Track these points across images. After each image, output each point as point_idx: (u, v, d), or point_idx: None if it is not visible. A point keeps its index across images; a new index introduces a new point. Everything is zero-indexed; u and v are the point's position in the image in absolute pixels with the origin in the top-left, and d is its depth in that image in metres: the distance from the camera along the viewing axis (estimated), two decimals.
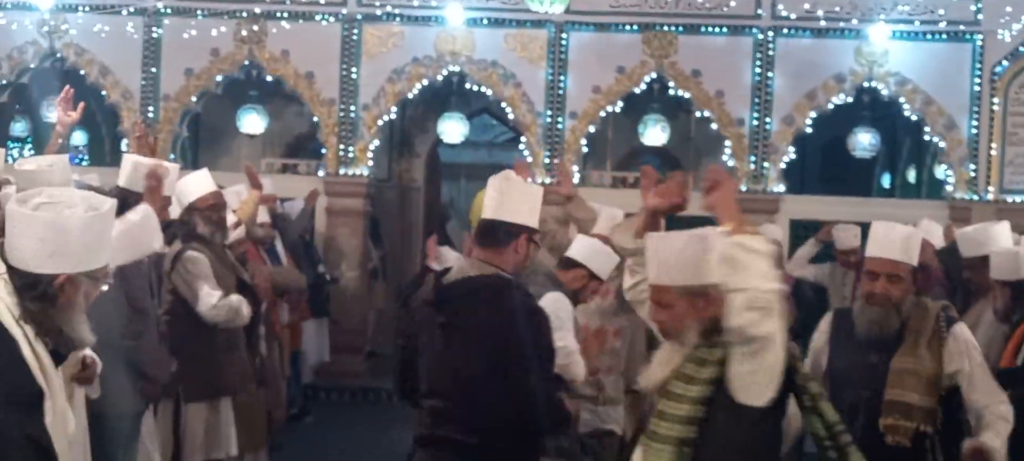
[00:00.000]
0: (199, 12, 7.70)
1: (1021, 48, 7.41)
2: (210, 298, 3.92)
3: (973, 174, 7.37)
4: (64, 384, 2.26)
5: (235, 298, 4.02)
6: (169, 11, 7.72)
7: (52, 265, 2.01)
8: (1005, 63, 7.37)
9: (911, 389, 2.92)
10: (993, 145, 7.35)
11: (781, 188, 7.53)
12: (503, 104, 7.80)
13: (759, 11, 7.47)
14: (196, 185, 4.24)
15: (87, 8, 7.67)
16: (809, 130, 7.59)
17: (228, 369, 4.10)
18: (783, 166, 7.54)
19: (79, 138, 8.79)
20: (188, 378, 3.94)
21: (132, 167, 3.67)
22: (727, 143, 7.51)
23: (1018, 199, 7.23)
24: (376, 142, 7.81)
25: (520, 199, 2.86)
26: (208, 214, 4.14)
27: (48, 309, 2.03)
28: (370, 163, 7.78)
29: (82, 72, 7.68)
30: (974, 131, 7.36)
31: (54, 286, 2.02)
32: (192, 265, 4.01)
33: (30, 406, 2.02)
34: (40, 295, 2.03)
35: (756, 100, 7.50)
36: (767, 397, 2.21)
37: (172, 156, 7.38)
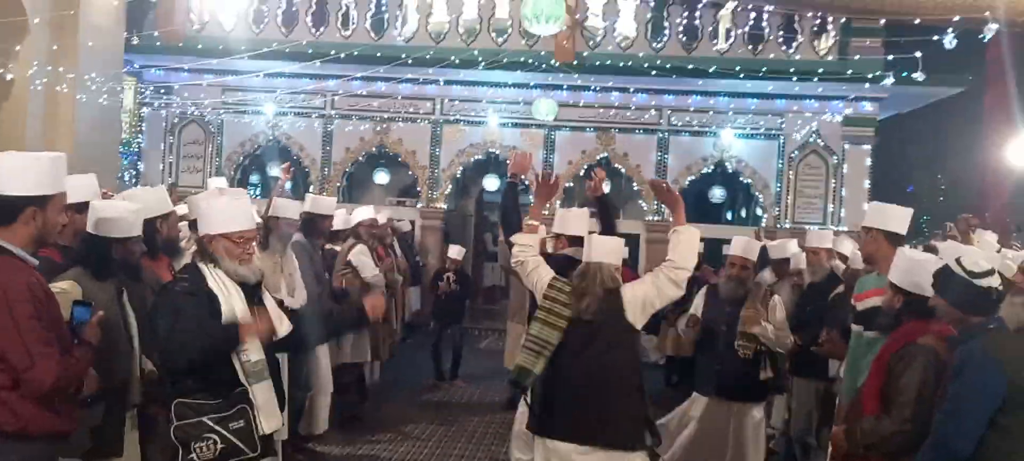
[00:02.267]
0: (354, 115, 13.65)
1: (804, 146, 12.75)
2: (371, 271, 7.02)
3: (777, 212, 12.93)
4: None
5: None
6: (337, 114, 13.71)
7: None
8: (796, 153, 12.93)
9: (746, 324, 4.87)
10: (788, 197, 12.94)
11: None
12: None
13: (661, 123, 13.15)
14: (361, 213, 7.38)
15: (293, 113, 13.71)
16: (687, 186, 13.22)
17: None
18: None
19: (288, 185, 14.46)
20: None
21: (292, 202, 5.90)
22: (642, 195, 13.19)
23: (803, 227, 12.65)
24: (449, 188, 13.65)
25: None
26: (369, 229, 7.22)
27: None
28: (445, 201, 13.65)
29: (290, 148, 13.73)
30: (778, 189, 12.95)
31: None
32: (362, 254, 6.95)
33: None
34: None
35: (658, 170, 13.19)
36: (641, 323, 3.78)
37: (338, 195, 13.22)
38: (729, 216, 14.32)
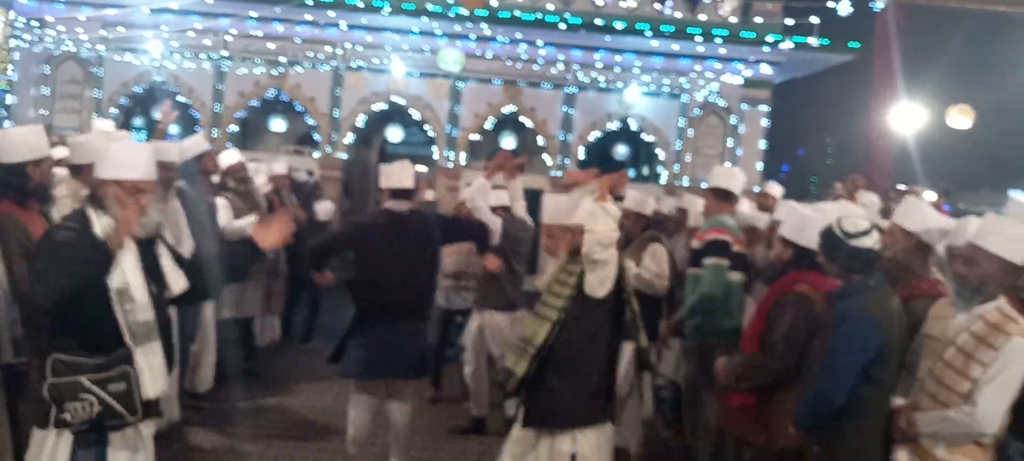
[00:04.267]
0: (248, 58, 12.96)
1: (704, 106, 13.06)
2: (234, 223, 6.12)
3: (677, 170, 13.22)
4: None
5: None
6: (230, 56, 12.98)
7: None
8: (698, 111, 13.21)
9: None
10: (688, 155, 13.23)
11: None
12: (424, 123, 13.34)
13: (568, 76, 13.12)
14: (228, 157, 6.61)
15: (181, 53, 12.87)
16: (591, 141, 13.32)
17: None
18: (579, 160, 13.25)
19: (174, 130, 13.12)
20: None
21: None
22: (546, 149, 13.19)
23: (701, 185, 13.02)
24: (350, 138, 13.22)
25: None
26: (235, 174, 6.57)
27: None
28: (345, 151, 13.24)
29: (178, 91, 12.94)
30: (678, 147, 13.23)
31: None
32: (223, 208, 6.10)
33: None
34: None
35: (564, 125, 13.22)
36: (603, 293, 3.44)
37: (228, 144, 12.61)
38: (632, 173, 14.51)
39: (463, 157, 13.11)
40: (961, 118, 13.47)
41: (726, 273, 4.68)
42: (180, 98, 12.75)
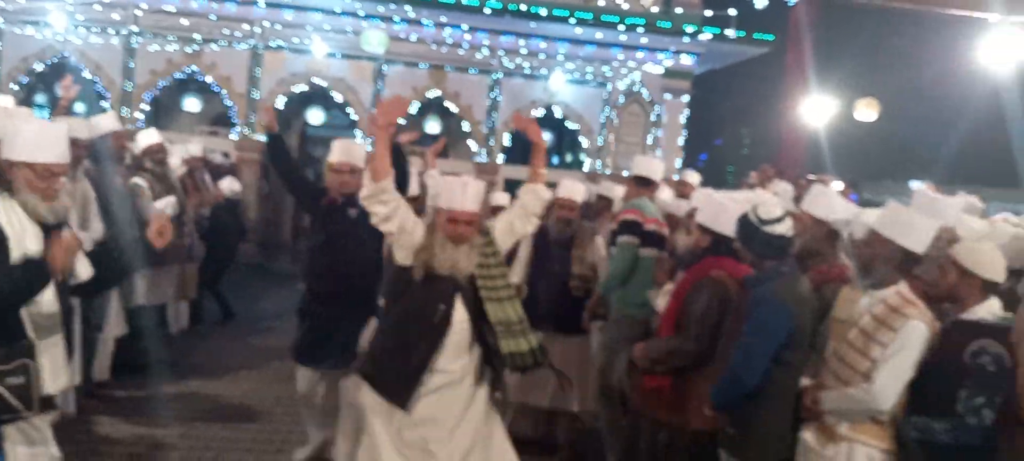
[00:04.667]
0: (160, 34, 12.45)
1: (627, 95, 13.25)
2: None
3: (600, 158, 13.40)
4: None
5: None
6: (140, 32, 12.44)
7: None
8: (621, 100, 13.41)
9: (577, 263, 5.22)
10: (612, 144, 13.41)
11: (501, 159, 13.28)
12: (347, 105, 13.08)
13: (494, 62, 13.10)
14: (146, 138, 6.40)
15: (87, 27, 12.25)
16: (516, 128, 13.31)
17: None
18: (503, 146, 13.26)
19: (80, 107, 12.87)
20: None
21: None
22: (471, 134, 13.15)
23: (623, 173, 13.25)
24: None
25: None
26: (153, 155, 6.36)
27: None
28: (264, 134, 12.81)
29: (85, 67, 12.30)
30: (602, 136, 13.40)
31: None
32: (140, 189, 5.94)
33: None
34: None
35: (490, 111, 13.16)
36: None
37: (140, 123, 12.11)
38: (555, 160, 14.63)
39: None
40: (868, 111, 14.08)
41: (635, 251, 4.89)
42: (86, 75, 12.15)
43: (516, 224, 3.73)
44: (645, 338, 4.45)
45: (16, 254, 2.82)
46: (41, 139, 2.94)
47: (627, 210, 5.04)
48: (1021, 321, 3.25)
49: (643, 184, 5.16)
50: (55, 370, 2.97)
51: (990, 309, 3.08)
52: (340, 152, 4.61)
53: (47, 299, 2.93)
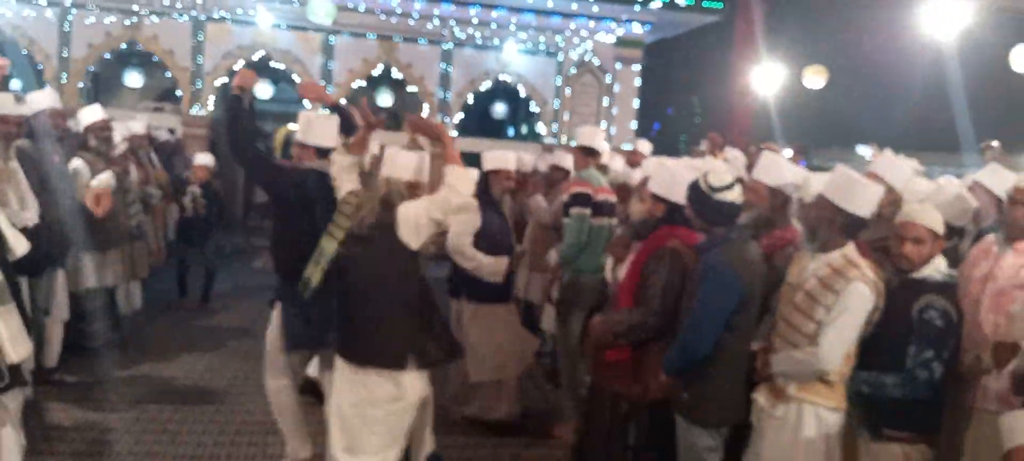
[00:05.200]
0: (97, 6, 11.99)
1: (580, 65, 13.24)
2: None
3: (555, 129, 13.39)
4: None
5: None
6: (75, 4, 11.95)
7: None
8: (573, 70, 13.37)
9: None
10: (566, 114, 13.41)
11: (455, 134, 13.17)
12: (294, 75, 12.80)
13: (444, 32, 12.93)
14: (88, 115, 6.06)
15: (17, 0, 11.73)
16: (470, 101, 13.26)
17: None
18: (457, 120, 13.18)
19: (16, 84, 12.07)
20: None
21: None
22: (426, 106, 13.02)
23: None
24: (214, 95, 12.55)
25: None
26: (97, 132, 6.03)
27: None
28: (211, 107, 12.53)
29: (17, 41, 11.78)
30: (556, 106, 13.39)
31: None
32: (81, 168, 5.67)
33: None
34: None
35: (442, 83, 13.06)
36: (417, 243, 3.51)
37: (80, 100, 11.69)
38: (511, 132, 14.58)
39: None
40: (816, 78, 14.29)
41: (587, 221, 5.02)
42: (21, 50, 11.65)
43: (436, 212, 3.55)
44: (599, 301, 4.51)
45: None
46: None
47: (576, 182, 5.19)
48: (964, 279, 3.37)
49: (589, 154, 5.29)
50: (14, 338, 2.91)
51: (936, 266, 3.18)
52: (309, 133, 4.28)
53: None
